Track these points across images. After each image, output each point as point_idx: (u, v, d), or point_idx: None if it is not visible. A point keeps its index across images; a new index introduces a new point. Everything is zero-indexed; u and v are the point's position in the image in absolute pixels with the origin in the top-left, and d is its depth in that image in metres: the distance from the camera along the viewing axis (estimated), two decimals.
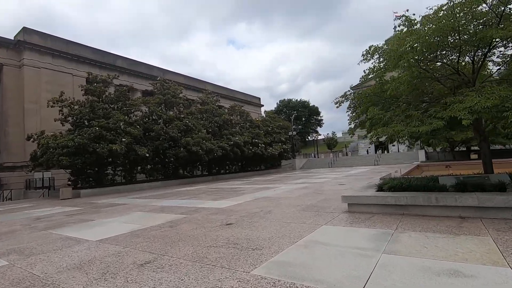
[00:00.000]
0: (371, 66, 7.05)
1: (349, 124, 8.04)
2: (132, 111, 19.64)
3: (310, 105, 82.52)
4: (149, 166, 21.94)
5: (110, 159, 17.95)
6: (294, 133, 42.64)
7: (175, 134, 20.66)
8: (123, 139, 17.13)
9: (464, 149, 32.93)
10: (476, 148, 29.18)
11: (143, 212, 8.29)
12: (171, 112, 22.83)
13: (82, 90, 18.19)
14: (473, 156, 27.21)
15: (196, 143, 21.27)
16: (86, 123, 17.47)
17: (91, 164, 17.03)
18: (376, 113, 6.22)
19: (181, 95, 23.69)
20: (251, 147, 28.22)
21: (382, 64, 6.69)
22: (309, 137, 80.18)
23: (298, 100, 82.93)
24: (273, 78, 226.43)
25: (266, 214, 6.50)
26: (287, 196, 9.77)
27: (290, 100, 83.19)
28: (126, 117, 20.12)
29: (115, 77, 19.47)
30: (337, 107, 7.74)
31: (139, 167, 21.03)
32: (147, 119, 21.98)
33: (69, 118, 17.74)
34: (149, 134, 20.91)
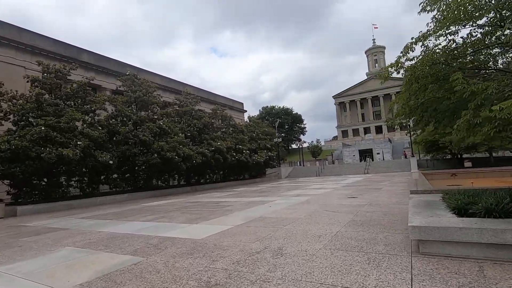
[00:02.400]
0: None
1: (400, 110, 5.50)
2: (93, 109, 16.35)
3: (293, 112, 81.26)
4: (115, 176, 18.55)
5: (63, 167, 14.54)
6: (280, 139, 40.33)
7: (146, 137, 17.53)
8: (78, 143, 13.83)
9: (449, 157, 31.92)
10: (468, 155, 28.13)
11: (77, 247, 5.30)
12: (143, 113, 19.66)
13: (27, 81, 14.76)
14: (467, 164, 26.01)
15: (171, 148, 18.22)
16: (33, 122, 14.04)
17: (36, 173, 13.54)
18: (475, 83, 3.69)
19: (155, 93, 20.62)
20: (234, 154, 25.45)
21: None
22: (292, 145, 78.55)
23: (281, 107, 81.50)
24: (256, 86, 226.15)
25: (276, 258, 3.79)
26: (292, 216, 7.11)
27: (273, 107, 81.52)
28: (86, 116, 16.81)
29: (73, 68, 16.17)
30: (383, 81, 5.28)
31: (102, 177, 17.61)
32: (113, 120, 18.69)
33: (10, 116, 14.23)
34: (115, 138, 17.63)
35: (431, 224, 3.50)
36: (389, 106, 5.94)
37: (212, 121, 25.83)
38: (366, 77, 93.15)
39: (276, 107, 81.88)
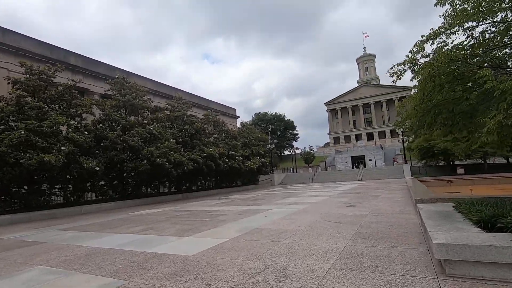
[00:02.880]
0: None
1: (411, 112, 5.08)
2: (79, 113, 15.59)
3: (286, 119, 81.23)
4: (101, 183, 17.70)
5: (45, 173, 13.70)
6: (273, 146, 39.93)
7: (136, 143, 16.81)
8: (62, 148, 13.04)
9: (442, 163, 32.05)
10: (460, 162, 28.21)
11: (50, 266, 4.65)
12: (133, 118, 18.94)
13: (8, 82, 13.95)
14: (459, 170, 26.04)
15: (162, 154, 17.53)
16: (14, 126, 13.22)
17: (15, 180, 12.67)
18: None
19: (145, 97, 19.95)
20: (227, 160, 24.84)
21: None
22: (285, 152, 78.30)
23: (274, 113, 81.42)
24: (248, 93, 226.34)
25: (281, 282, 3.26)
26: (291, 227, 6.58)
27: (265, 114, 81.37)
28: (72, 121, 16.04)
29: (59, 70, 15.43)
30: (395, 80, 4.84)
31: (88, 184, 16.74)
32: (101, 124, 17.92)
33: None
34: (103, 143, 16.84)
35: (460, 242, 3.03)
36: (397, 108, 5.58)
37: (204, 126, 25.24)
38: (357, 85, 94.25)
39: (269, 113, 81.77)
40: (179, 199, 20.75)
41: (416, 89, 4.89)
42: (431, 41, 4.69)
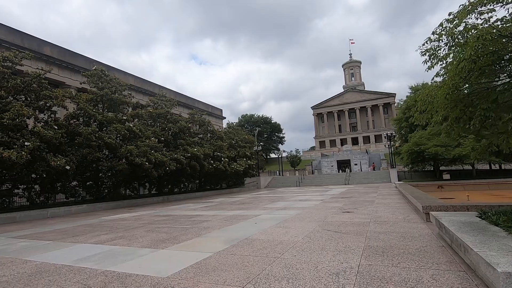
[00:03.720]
0: None
1: (440, 102, 4.24)
2: (49, 105, 14.09)
3: (273, 121, 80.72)
4: (74, 183, 16.21)
5: (6, 172, 12.16)
6: (259, 148, 39.06)
7: (112, 140, 15.44)
8: (26, 143, 11.59)
9: (430, 168, 32.25)
10: (446, 168, 28.32)
11: None
12: (111, 114, 17.53)
13: None
14: (445, 176, 26.08)
15: (141, 153, 16.23)
16: None
17: None
18: None
19: (126, 92, 18.58)
20: (212, 162, 23.73)
21: None
22: (271, 154, 77.66)
23: (261, 115, 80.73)
24: (235, 96, 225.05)
25: None
26: (287, 238, 5.66)
27: (252, 116, 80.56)
28: (42, 114, 14.54)
29: (27, 57, 13.90)
30: (426, 60, 4.03)
31: (58, 184, 15.21)
32: (75, 120, 16.43)
33: None
34: (76, 140, 15.36)
35: None
36: (416, 98, 4.78)
37: (189, 125, 24.03)
38: (343, 90, 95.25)
39: (256, 115, 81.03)
40: (160, 202, 19.43)
41: (441, 77, 4.11)
42: (475, 11, 3.80)
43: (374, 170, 49.58)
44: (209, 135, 28.07)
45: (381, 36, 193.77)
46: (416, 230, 5.72)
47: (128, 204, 17.20)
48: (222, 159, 25.34)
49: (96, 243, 6.14)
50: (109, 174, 17.54)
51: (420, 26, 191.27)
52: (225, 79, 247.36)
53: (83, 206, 14.69)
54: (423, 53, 3.80)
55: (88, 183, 16.86)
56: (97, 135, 15.12)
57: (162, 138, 20.84)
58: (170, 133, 22.05)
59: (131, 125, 16.91)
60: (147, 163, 16.11)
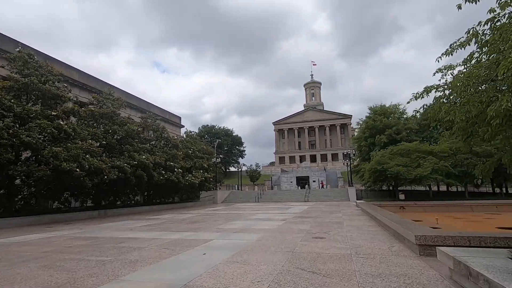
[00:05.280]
0: None
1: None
2: None
3: (234, 134, 79.13)
4: None
5: None
6: (218, 160, 36.91)
7: (32, 139, 12.33)
8: None
9: (386, 188, 33.05)
10: (401, 188, 29.03)
11: None
12: (35, 107, 14.31)
13: None
14: (401, 196, 26.54)
15: (72, 157, 13.28)
16: None
17: None
18: None
19: (58, 83, 15.51)
20: (163, 172, 21.10)
21: None
22: (230, 168, 75.48)
23: (222, 127, 78.75)
24: (198, 107, 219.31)
25: None
26: (245, 284, 3.85)
27: (213, 127, 78.19)
28: None
29: None
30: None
31: None
32: None
33: None
34: None
35: None
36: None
37: (139, 130, 21.26)
38: (304, 108, 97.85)
39: (217, 126, 78.83)
40: (94, 218, 16.25)
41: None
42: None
43: (323, 187, 50.13)
44: (162, 142, 25.36)
45: (340, 62, 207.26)
46: (417, 270, 4.31)
47: (49, 219, 13.88)
48: (176, 169, 22.78)
49: None
50: (32, 182, 14.15)
51: (373, 57, 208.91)
52: (188, 89, 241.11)
53: None
54: (452, 48, 2.67)
55: None
56: (11, 131, 11.94)
57: (104, 142, 17.82)
58: (114, 137, 19.07)
59: (61, 122, 13.88)
60: (78, 169, 13.18)
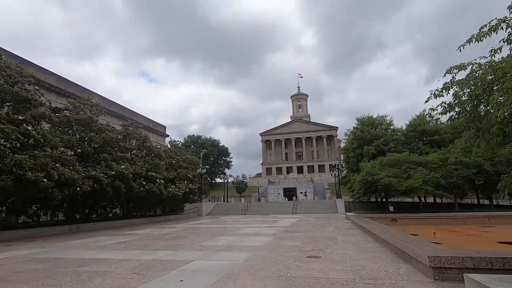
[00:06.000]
0: None
1: None
2: None
3: (220, 144, 77.94)
4: None
5: None
6: (204, 170, 35.67)
7: None
8: None
9: (374, 200, 32.74)
10: (394, 200, 28.71)
11: None
12: (0, 110, 12.99)
13: None
14: (390, 208, 26.15)
15: (40, 166, 11.98)
16: None
17: None
18: None
19: (28, 86, 14.26)
20: (144, 183, 19.79)
21: None
22: (216, 179, 73.87)
23: (209, 138, 77.47)
24: (185, 117, 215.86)
25: None
26: None
27: (199, 137, 76.81)
28: None
29: None
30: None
31: None
32: None
33: None
34: None
35: None
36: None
37: (119, 138, 20.00)
38: (291, 120, 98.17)
39: (203, 137, 77.47)
40: (64, 233, 14.76)
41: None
42: None
43: (306, 197, 49.63)
44: (145, 151, 24.07)
45: (325, 76, 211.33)
46: None
47: (9, 236, 12.34)
48: (158, 180, 21.49)
49: None
50: None
51: (357, 71, 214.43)
52: (175, 100, 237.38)
53: None
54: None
55: None
56: None
57: (79, 150, 16.49)
58: (92, 145, 17.76)
59: (29, 127, 12.60)
60: (45, 179, 11.86)
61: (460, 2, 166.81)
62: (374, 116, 35.13)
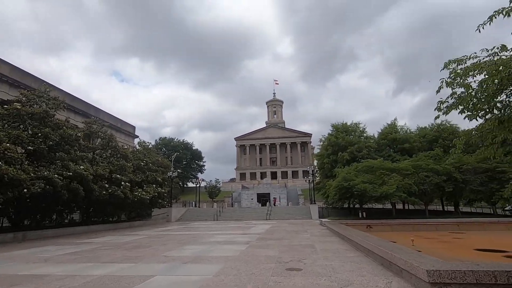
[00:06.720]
0: None
1: None
2: None
3: (194, 148, 75.82)
4: None
5: None
6: (175, 174, 34.00)
7: None
8: None
9: (347, 206, 32.97)
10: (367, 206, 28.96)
11: None
12: None
13: None
14: (361, 214, 26.31)
15: None
16: None
17: None
18: None
19: None
20: (107, 185, 18.09)
21: None
22: (188, 183, 71.49)
23: (181, 140, 75.05)
24: (158, 120, 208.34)
25: None
26: None
27: (172, 140, 74.12)
28: None
29: None
30: None
31: None
32: None
33: None
34: None
35: None
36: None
37: (78, 135, 18.19)
38: (266, 126, 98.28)
39: (176, 139, 74.90)
40: (6, 242, 12.82)
41: None
42: None
43: (275, 204, 48.55)
44: (109, 151, 22.24)
45: (300, 84, 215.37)
46: None
47: None
48: (123, 183, 19.82)
49: None
50: None
51: (331, 82, 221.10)
52: (148, 101, 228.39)
53: None
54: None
55: None
56: None
57: (31, 147, 14.61)
58: (47, 142, 15.86)
59: None
60: None
61: (426, 21, 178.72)
62: (348, 123, 35.75)
